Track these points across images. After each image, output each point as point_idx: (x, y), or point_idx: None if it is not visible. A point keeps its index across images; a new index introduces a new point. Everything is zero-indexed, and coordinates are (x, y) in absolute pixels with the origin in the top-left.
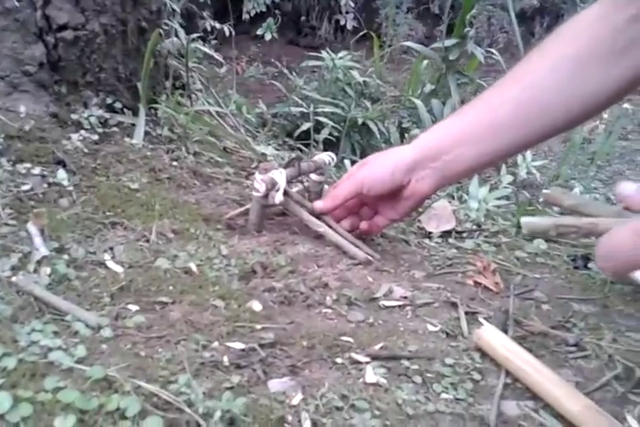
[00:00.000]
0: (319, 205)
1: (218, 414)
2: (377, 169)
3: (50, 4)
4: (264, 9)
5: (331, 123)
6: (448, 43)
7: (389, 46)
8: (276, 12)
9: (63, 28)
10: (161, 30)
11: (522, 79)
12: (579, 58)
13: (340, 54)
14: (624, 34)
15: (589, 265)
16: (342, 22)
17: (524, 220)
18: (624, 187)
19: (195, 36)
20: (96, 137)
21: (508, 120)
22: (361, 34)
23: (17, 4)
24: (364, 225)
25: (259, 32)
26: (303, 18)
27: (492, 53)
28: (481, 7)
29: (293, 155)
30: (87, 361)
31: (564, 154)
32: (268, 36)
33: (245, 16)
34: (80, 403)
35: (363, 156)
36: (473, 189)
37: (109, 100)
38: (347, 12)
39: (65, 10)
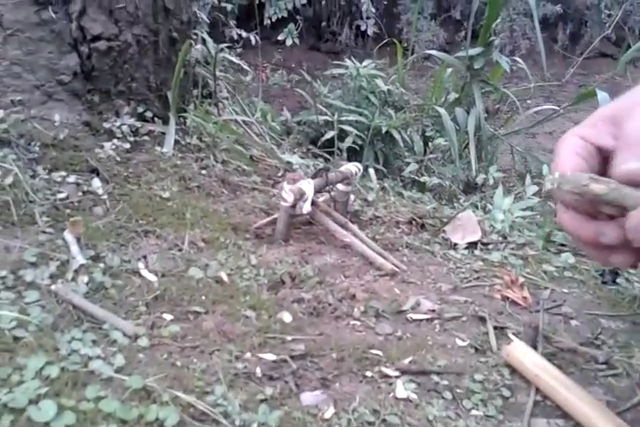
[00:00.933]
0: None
1: (254, 426)
2: None
3: (85, 16)
4: (285, 14)
5: (354, 131)
6: (472, 51)
7: (412, 53)
8: (298, 17)
9: (97, 38)
10: (191, 41)
11: None
12: None
13: (364, 63)
14: None
15: (618, 280)
16: (363, 28)
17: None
18: None
19: (223, 46)
20: (128, 145)
21: None
22: (384, 42)
23: (53, 15)
24: None
25: (280, 37)
26: (324, 23)
27: (517, 62)
28: (504, 14)
29: (320, 165)
30: (126, 371)
31: None
32: (289, 42)
33: (267, 22)
34: (121, 413)
35: (386, 164)
36: (498, 200)
37: (140, 109)
38: (368, 18)
39: (99, 21)
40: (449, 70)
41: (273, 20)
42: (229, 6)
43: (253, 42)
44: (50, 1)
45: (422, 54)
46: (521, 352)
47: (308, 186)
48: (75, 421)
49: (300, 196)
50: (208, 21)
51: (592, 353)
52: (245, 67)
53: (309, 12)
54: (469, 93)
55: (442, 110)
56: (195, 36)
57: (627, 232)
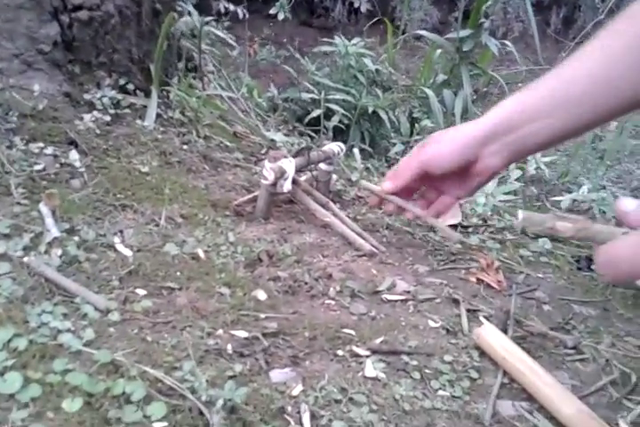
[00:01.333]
0: (387, 185)
1: (220, 402)
2: (445, 145)
3: None
4: None
5: (341, 110)
6: (462, 33)
7: (403, 33)
8: None
9: (78, 8)
10: (175, 13)
11: (594, 55)
12: None
13: (353, 41)
14: None
15: (593, 267)
16: (356, 5)
17: (522, 213)
18: (623, 203)
19: (209, 18)
20: (108, 118)
21: (582, 95)
22: (375, 19)
23: None
24: (432, 210)
25: (272, 11)
26: None
27: (506, 45)
28: None
29: (303, 143)
30: (95, 344)
31: (573, 150)
32: (281, 16)
33: None
34: (87, 386)
35: (372, 144)
36: None
37: (122, 82)
38: None
39: None
40: (439, 51)
41: None
42: None
43: (241, 16)
44: None
45: (414, 34)
46: (490, 335)
47: (289, 164)
48: (40, 393)
49: (281, 174)
50: None
51: (561, 338)
52: (231, 41)
53: None
54: (458, 76)
55: (429, 92)
56: (180, 8)
57: (596, 266)
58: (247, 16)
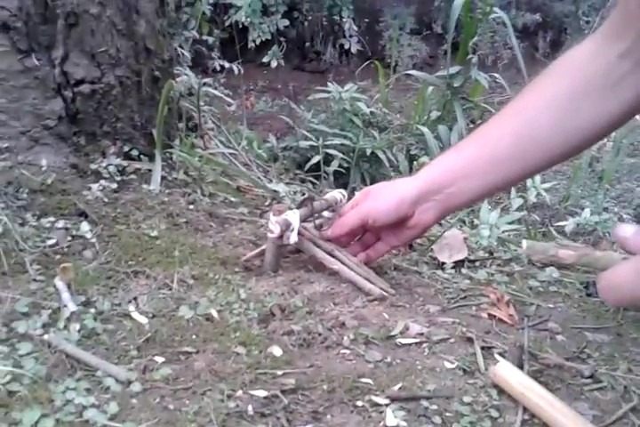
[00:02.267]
0: (327, 233)
1: None
2: (382, 202)
3: (67, 61)
4: (269, 37)
5: (340, 154)
6: (451, 70)
7: (394, 70)
8: (281, 39)
9: (80, 82)
10: (173, 81)
11: (519, 115)
12: (573, 93)
13: (345, 86)
14: (616, 68)
15: None
16: (347, 46)
17: (526, 242)
18: (622, 229)
19: (205, 80)
20: (115, 185)
21: (507, 154)
22: (367, 62)
23: (37, 62)
24: (361, 257)
25: (265, 60)
26: (308, 43)
27: (495, 78)
28: (484, 25)
29: (306, 191)
30: (119, 418)
31: (572, 174)
32: (274, 64)
33: (251, 45)
34: None
35: (373, 184)
36: (484, 215)
37: (126, 148)
38: (350, 36)
39: (82, 65)
40: (430, 88)
41: (257, 43)
42: (211, 39)
43: (236, 71)
44: (33, 48)
45: (404, 73)
46: (507, 372)
47: (293, 216)
48: None
49: (287, 226)
50: (190, 56)
51: (578, 368)
52: (228, 99)
53: (293, 33)
54: (451, 111)
55: (424, 129)
56: (177, 72)
57: (599, 292)
58: (242, 71)
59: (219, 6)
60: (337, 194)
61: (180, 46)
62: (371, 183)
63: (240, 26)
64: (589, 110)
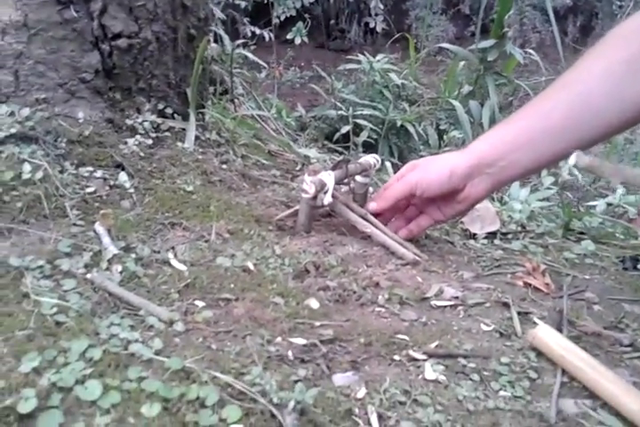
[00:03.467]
0: (373, 206)
1: (291, 404)
2: (433, 172)
3: (105, 14)
4: (294, 13)
5: (369, 125)
6: (486, 44)
7: (422, 48)
8: (306, 15)
9: (118, 36)
10: (209, 37)
11: (572, 84)
12: (631, 61)
13: (377, 57)
14: None
15: (638, 266)
16: (372, 25)
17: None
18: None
19: (239, 41)
20: (150, 141)
21: (561, 125)
22: (395, 37)
23: (75, 14)
24: (403, 233)
25: (289, 36)
26: (332, 21)
27: (530, 54)
28: (514, 7)
29: (340, 157)
30: (164, 353)
31: (605, 155)
32: (297, 40)
33: (275, 20)
34: (163, 392)
35: (401, 158)
36: (514, 191)
37: (161, 106)
38: (376, 15)
39: (119, 19)
40: (462, 63)
41: (281, 19)
42: (243, 3)
43: (267, 38)
44: (72, 0)
45: (433, 48)
46: (546, 335)
47: (328, 177)
48: (120, 399)
49: (322, 187)
50: (223, 18)
51: (616, 336)
52: (261, 62)
53: (318, 10)
54: (483, 86)
55: (456, 103)
56: (211, 33)
57: None
58: (273, 39)
59: None
60: (371, 159)
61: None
62: (399, 156)
63: (265, 1)
64: None
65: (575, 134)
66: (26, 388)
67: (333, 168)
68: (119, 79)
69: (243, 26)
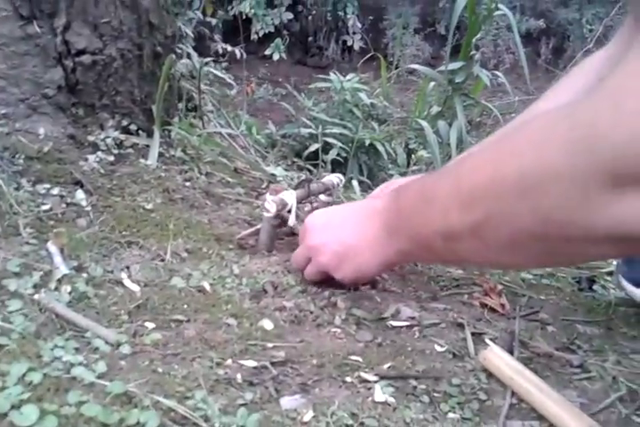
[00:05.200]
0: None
1: None
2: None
3: (69, 30)
4: (272, 30)
5: (339, 144)
6: (454, 65)
7: (396, 67)
8: (284, 32)
9: (81, 52)
10: (174, 55)
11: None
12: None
13: (347, 77)
14: None
15: (594, 287)
16: (349, 43)
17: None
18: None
19: (207, 60)
20: (112, 158)
21: None
22: (368, 55)
23: (38, 29)
24: None
25: (267, 52)
26: (311, 38)
27: (498, 76)
28: (487, 29)
29: (303, 176)
30: (107, 376)
31: None
32: (276, 56)
33: (254, 36)
34: (102, 417)
35: (370, 176)
36: None
37: (125, 123)
38: (354, 33)
39: (84, 35)
40: (432, 84)
41: (260, 35)
42: (214, 21)
43: (239, 56)
44: (35, 15)
45: (407, 68)
46: (497, 356)
47: (290, 196)
48: (57, 425)
49: (283, 206)
50: (193, 36)
51: (567, 357)
52: (230, 81)
53: (296, 26)
54: (452, 107)
55: (424, 123)
56: (179, 51)
57: None
58: (245, 56)
59: None
60: (334, 178)
61: (183, 26)
62: (368, 175)
63: (244, 17)
64: None
65: None
66: None
67: (296, 187)
68: (82, 95)
69: (214, 43)
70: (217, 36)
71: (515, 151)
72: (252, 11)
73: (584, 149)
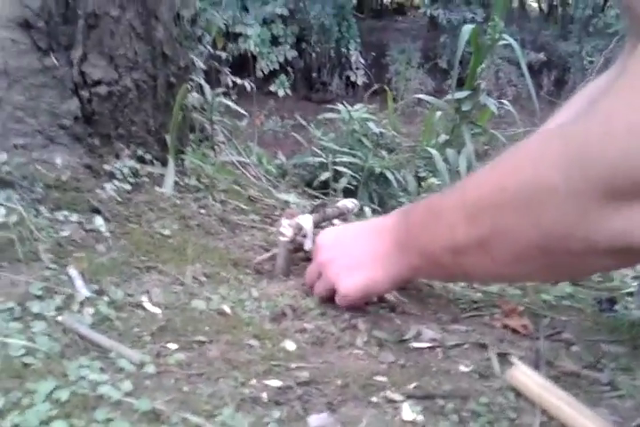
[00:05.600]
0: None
1: None
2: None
3: (86, 61)
4: (277, 66)
5: (349, 172)
6: (461, 94)
7: (401, 99)
8: (289, 69)
9: (97, 83)
10: (188, 85)
11: None
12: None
13: (355, 107)
14: None
15: (615, 307)
16: (353, 78)
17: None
18: None
19: (219, 90)
20: (128, 186)
21: None
22: (373, 89)
23: (55, 61)
24: None
25: (272, 88)
26: (315, 74)
27: (504, 104)
28: (489, 61)
29: (318, 201)
30: (134, 395)
31: None
32: (281, 92)
33: (259, 73)
34: None
35: (381, 204)
36: None
37: (140, 152)
38: (357, 68)
39: (100, 67)
40: (438, 114)
41: (265, 73)
42: (224, 54)
43: (248, 88)
44: (52, 48)
45: (412, 99)
46: (524, 374)
47: (306, 221)
48: None
49: (299, 230)
50: (204, 68)
51: (595, 376)
52: (242, 111)
53: (300, 63)
54: (459, 135)
55: (433, 151)
56: (191, 82)
57: None
58: (254, 89)
59: (229, 35)
60: (349, 203)
61: (195, 58)
62: (379, 202)
63: (249, 55)
64: None
65: None
66: None
67: (311, 212)
68: (98, 126)
69: (224, 76)
70: (226, 69)
71: (515, 166)
72: (257, 48)
73: (577, 165)
